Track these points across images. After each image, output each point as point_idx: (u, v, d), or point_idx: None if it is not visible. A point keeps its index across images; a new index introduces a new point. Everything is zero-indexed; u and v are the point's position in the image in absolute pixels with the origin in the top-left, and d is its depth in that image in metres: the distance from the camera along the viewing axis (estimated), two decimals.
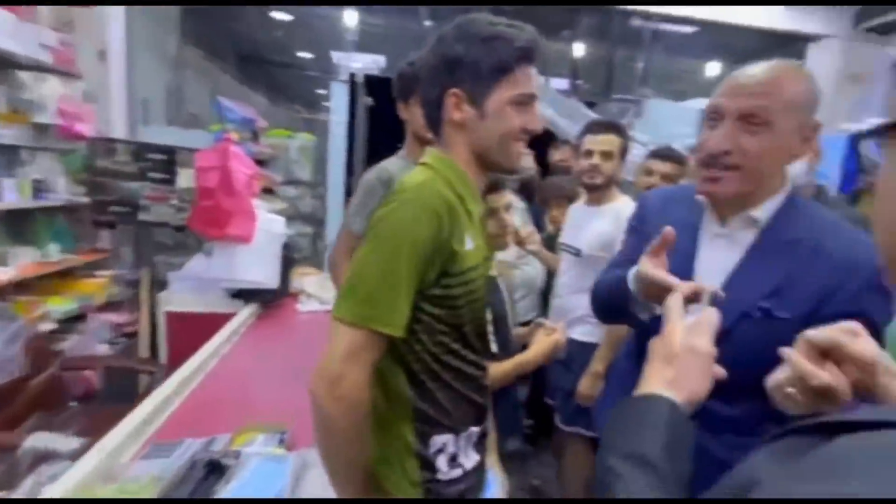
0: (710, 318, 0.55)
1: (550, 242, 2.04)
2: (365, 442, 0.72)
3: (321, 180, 3.27)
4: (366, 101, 3.23)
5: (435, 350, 0.75)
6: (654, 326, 0.85)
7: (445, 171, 0.76)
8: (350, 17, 3.91)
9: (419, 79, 0.81)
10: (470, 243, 0.74)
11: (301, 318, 2.16)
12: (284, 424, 1.12)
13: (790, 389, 0.54)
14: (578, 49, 3.34)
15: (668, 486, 0.40)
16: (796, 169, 0.98)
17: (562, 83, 3.24)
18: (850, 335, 0.54)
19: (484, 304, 0.82)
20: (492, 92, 0.73)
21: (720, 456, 0.87)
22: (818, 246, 0.81)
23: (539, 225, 2.29)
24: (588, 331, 1.69)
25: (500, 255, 1.90)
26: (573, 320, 1.76)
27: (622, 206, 1.67)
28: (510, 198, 1.19)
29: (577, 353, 1.74)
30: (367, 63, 3.07)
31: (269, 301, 2.14)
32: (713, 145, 0.81)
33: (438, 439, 0.77)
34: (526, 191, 2.29)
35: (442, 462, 0.77)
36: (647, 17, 2.92)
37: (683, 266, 0.89)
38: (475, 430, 0.82)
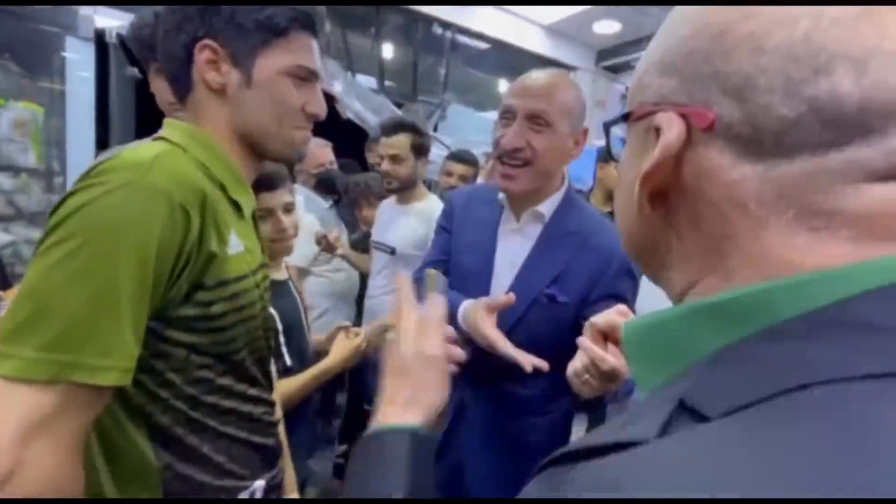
0: (435, 313, 0.51)
1: (364, 243, 1.95)
2: None
3: (59, 169, 2.45)
4: (130, 71, 2.57)
5: (193, 392, 0.55)
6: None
7: (195, 147, 0.56)
8: None
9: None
10: (237, 245, 0.56)
11: None
12: None
13: (587, 376, 0.59)
14: (387, 50, 3.35)
15: None
16: None
17: (370, 81, 3.20)
18: (623, 316, 0.61)
19: (264, 322, 0.64)
20: (260, 54, 0.57)
21: (523, 438, 0.94)
22: (587, 238, 0.93)
23: (348, 223, 2.17)
24: None
25: (293, 260, 1.70)
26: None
27: (430, 205, 1.69)
28: (289, 197, 1.02)
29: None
30: (127, 22, 2.42)
31: None
32: (507, 142, 0.87)
33: None
34: (328, 188, 2.13)
35: None
36: (447, 26, 3.10)
37: (484, 260, 0.98)
38: (261, 483, 0.64)
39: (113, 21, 2.44)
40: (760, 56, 0.22)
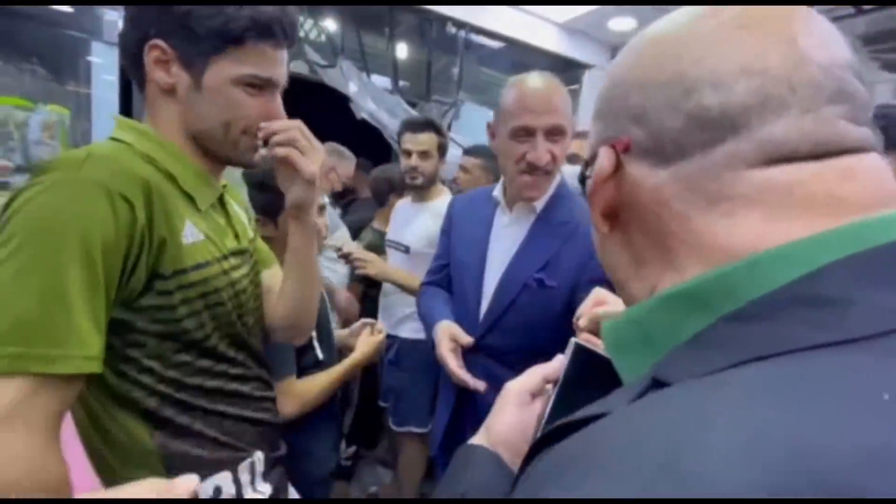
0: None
1: (380, 242, 1.97)
2: None
3: None
4: None
5: (175, 375, 0.58)
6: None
7: (141, 142, 0.58)
8: None
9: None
10: (195, 234, 0.58)
11: None
12: None
13: None
14: (401, 50, 3.36)
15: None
16: (568, 171, 1.16)
17: (385, 82, 3.22)
18: (599, 304, 0.64)
19: (238, 307, 0.66)
20: (211, 62, 0.58)
21: None
22: (577, 227, 0.99)
23: (350, 224, 2.20)
24: (417, 328, 1.67)
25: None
26: (402, 318, 1.72)
27: (444, 203, 1.70)
28: (322, 199, 1.08)
29: (406, 352, 1.71)
30: None
31: None
32: (540, 159, 0.94)
33: (209, 485, 0.59)
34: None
35: None
36: (460, 25, 3.11)
37: (478, 254, 1.06)
38: (260, 454, 0.66)
39: None
40: (647, 91, 0.30)
